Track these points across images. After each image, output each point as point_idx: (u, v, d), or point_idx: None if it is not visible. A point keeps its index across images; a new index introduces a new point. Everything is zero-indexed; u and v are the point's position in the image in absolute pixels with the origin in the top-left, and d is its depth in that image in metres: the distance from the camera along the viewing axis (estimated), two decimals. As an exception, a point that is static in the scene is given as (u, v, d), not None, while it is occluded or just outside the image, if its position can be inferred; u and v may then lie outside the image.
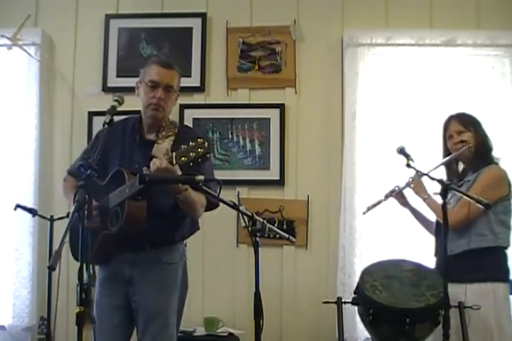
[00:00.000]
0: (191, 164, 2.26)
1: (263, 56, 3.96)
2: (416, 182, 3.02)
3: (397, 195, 3.14)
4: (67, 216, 2.46)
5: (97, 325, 2.19)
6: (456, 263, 2.69)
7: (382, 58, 3.90)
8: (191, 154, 2.25)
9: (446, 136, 3.05)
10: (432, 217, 3.15)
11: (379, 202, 3.19)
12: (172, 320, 2.64)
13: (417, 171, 2.83)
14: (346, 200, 3.70)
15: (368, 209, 3.25)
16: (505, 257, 2.91)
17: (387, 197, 3.16)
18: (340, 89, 3.88)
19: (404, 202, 3.17)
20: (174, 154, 2.32)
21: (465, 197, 2.65)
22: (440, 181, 2.59)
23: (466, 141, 2.97)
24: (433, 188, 3.05)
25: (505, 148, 3.78)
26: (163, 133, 2.70)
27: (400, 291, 2.57)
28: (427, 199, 2.99)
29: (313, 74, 3.95)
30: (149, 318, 2.59)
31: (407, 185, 3.08)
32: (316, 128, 3.92)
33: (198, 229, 2.82)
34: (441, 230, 2.95)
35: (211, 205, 2.66)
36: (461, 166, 3.12)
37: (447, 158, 3.01)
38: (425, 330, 2.54)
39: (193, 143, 2.26)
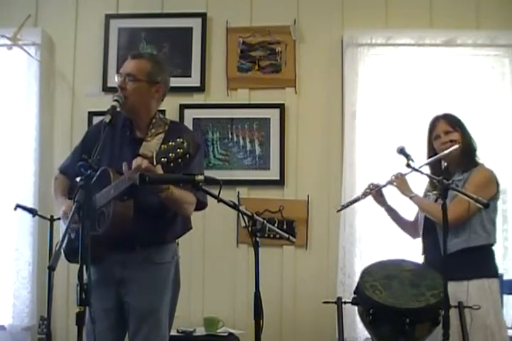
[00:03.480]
0: (171, 164, 2.21)
1: (263, 56, 3.96)
2: (400, 181, 3.00)
3: (376, 193, 3.10)
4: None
5: (89, 327, 2.17)
6: (454, 262, 2.69)
7: (382, 58, 3.90)
8: (170, 155, 2.19)
9: (433, 136, 3.06)
10: (409, 216, 3.16)
11: (356, 200, 3.14)
12: (164, 320, 2.61)
13: (418, 171, 2.83)
14: (346, 200, 3.68)
15: (343, 207, 3.20)
16: (493, 254, 2.97)
17: (365, 195, 3.10)
18: (340, 89, 3.89)
19: (381, 200, 3.13)
20: (155, 154, 2.26)
21: (464, 196, 2.64)
22: (440, 181, 2.58)
23: (456, 141, 2.98)
24: (417, 184, 3.08)
25: (505, 147, 3.79)
26: (153, 130, 2.65)
27: (400, 291, 2.57)
28: (415, 198, 2.97)
29: (313, 74, 3.95)
30: (141, 319, 2.56)
31: (389, 183, 3.04)
32: (316, 128, 3.92)
33: (191, 228, 2.76)
34: (430, 229, 2.98)
35: (200, 205, 2.62)
36: (443, 165, 3.12)
37: (435, 157, 3.01)
38: (425, 330, 2.54)
39: (173, 143, 2.21)
